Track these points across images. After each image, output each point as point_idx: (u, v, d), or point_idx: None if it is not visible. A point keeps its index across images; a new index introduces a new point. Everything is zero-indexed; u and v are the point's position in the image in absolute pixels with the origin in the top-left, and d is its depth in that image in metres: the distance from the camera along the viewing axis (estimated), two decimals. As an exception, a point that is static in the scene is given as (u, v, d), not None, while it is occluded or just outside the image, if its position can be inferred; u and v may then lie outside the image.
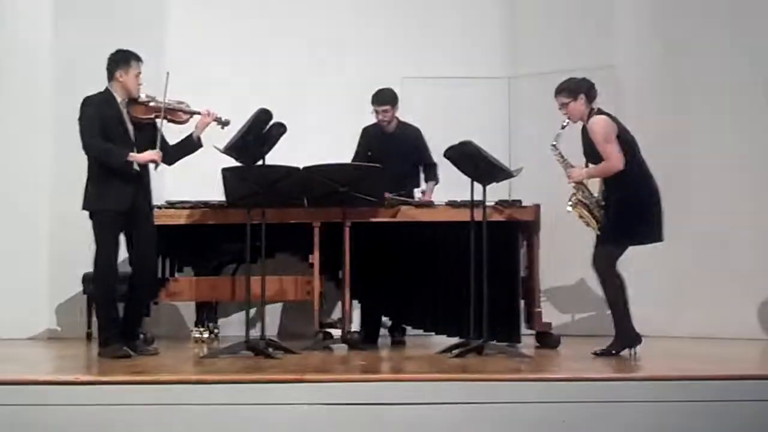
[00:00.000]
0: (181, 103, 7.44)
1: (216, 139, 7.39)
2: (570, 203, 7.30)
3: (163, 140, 7.28)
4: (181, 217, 8.14)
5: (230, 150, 7.18)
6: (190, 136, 7.45)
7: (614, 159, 7.05)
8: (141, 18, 9.54)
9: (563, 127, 7.30)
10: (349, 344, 7.72)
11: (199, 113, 7.45)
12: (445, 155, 7.42)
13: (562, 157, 7.34)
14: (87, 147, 7.07)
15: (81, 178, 7.23)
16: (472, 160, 7.23)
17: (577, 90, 7.23)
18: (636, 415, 5.45)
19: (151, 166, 7.21)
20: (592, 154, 7.17)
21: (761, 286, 8.64)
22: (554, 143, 7.32)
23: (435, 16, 10.00)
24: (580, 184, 7.29)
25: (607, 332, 7.31)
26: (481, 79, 9.90)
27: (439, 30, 9.98)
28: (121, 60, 7.21)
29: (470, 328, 7.27)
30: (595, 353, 7.05)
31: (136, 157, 7.10)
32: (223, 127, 7.44)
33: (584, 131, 7.25)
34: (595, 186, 7.34)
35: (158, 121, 7.27)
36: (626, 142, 7.13)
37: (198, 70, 9.38)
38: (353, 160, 8.59)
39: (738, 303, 8.62)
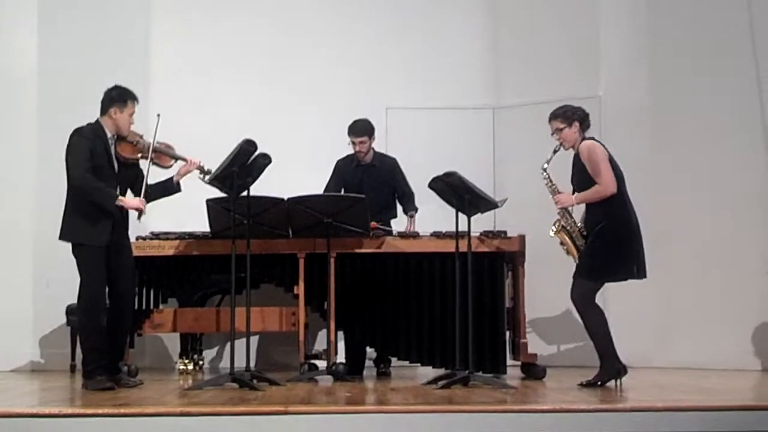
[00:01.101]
0: (168, 146, 7.42)
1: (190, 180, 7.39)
2: (553, 228, 7.28)
3: (146, 183, 7.25)
4: (165, 248, 8.11)
5: (215, 181, 7.17)
6: (170, 180, 7.44)
7: (608, 183, 7.04)
8: (125, 46, 9.59)
9: (555, 152, 7.30)
10: (334, 375, 7.70)
11: (184, 159, 7.44)
12: (429, 186, 7.42)
13: (551, 181, 7.33)
14: (78, 183, 6.99)
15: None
16: (457, 191, 7.23)
17: (572, 117, 7.25)
18: (622, 446, 5.44)
19: (134, 213, 7.17)
20: (581, 182, 7.16)
21: (747, 317, 8.66)
22: (545, 167, 7.31)
23: (419, 47, 10.04)
24: (565, 211, 7.28)
25: (593, 363, 7.30)
26: (466, 110, 9.93)
27: (424, 60, 10.02)
28: (118, 98, 7.17)
29: (456, 359, 7.25)
30: (581, 384, 7.04)
31: (125, 202, 7.08)
32: (204, 177, 7.40)
33: (576, 159, 7.26)
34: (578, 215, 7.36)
35: (144, 163, 7.26)
36: (614, 171, 7.14)
37: (183, 94, 9.42)
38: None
39: (724, 334, 8.64)
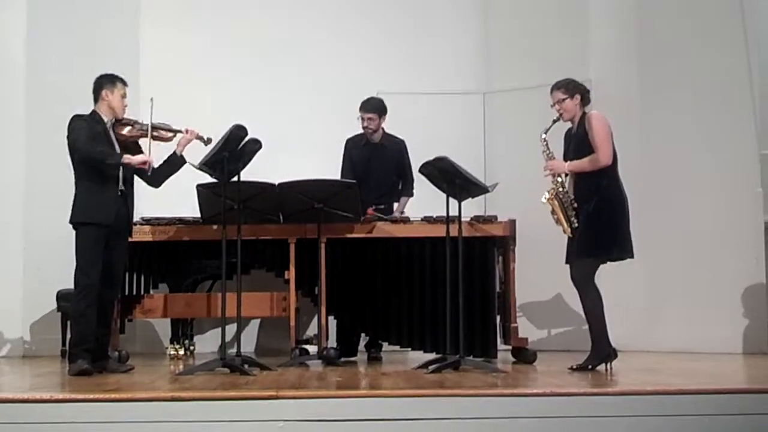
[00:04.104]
0: (163, 123, 7.44)
1: (192, 155, 7.37)
2: (546, 194, 7.16)
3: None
4: (156, 234, 8.12)
5: (205, 166, 7.16)
6: (173, 154, 7.46)
7: (605, 154, 7.05)
8: (115, 38, 9.57)
9: (554, 122, 7.28)
10: (325, 360, 7.71)
11: (181, 131, 7.46)
12: (420, 171, 7.44)
13: (548, 149, 7.29)
14: (81, 152, 7.02)
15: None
16: (448, 176, 7.23)
17: (574, 89, 7.27)
18: (612, 430, 5.45)
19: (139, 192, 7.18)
20: (579, 153, 7.12)
21: (736, 300, 8.69)
22: (544, 136, 7.27)
23: (410, 32, 10.04)
24: (559, 182, 7.23)
25: (583, 347, 7.32)
26: (456, 95, 9.94)
27: (415, 45, 10.03)
28: (107, 81, 7.26)
29: (446, 343, 7.26)
30: (572, 368, 7.05)
31: (131, 159, 7.11)
32: (205, 144, 7.42)
33: (573, 132, 7.26)
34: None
35: (145, 141, 7.31)
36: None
37: (174, 88, 9.39)
38: (341, 174, 8.58)
39: (713, 317, 8.67)
